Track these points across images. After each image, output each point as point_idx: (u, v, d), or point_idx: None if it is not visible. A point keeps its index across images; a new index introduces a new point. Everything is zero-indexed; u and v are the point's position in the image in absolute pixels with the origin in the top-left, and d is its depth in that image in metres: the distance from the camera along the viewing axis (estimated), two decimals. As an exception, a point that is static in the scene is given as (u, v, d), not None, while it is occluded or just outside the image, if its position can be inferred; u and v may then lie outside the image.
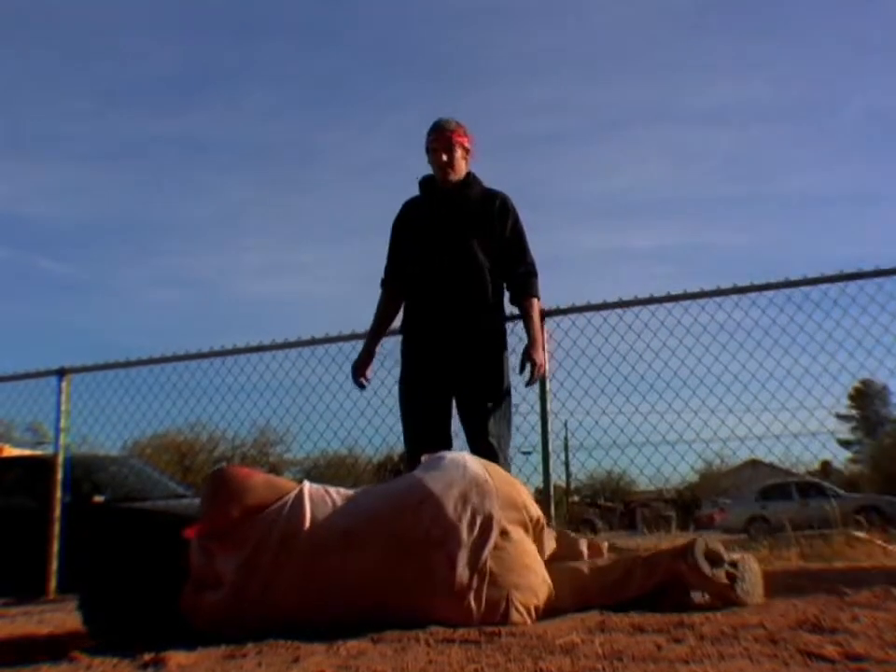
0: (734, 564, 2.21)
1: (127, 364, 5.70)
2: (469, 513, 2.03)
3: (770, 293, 4.30)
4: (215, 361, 5.45)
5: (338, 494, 2.18)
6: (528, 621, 2.02)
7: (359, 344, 5.07)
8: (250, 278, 55.20)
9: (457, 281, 3.42)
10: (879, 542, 4.43)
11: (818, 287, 4.24)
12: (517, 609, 2.02)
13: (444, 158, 3.47)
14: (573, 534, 2.57)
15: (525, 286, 3.55)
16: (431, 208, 3.54)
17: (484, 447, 3.22)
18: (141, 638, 1.94)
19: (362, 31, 56.75)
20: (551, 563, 2.26)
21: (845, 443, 33.60)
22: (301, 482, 2.19)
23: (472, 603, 1.98)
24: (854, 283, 4.17)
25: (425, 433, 3.38)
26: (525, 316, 3.53)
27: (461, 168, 3.52)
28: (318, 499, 2.12)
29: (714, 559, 2.19)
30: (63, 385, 5.69)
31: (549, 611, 2.12)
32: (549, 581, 2.16)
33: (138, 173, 54.45)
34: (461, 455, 2.25)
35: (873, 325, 4.18)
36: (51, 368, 5.79)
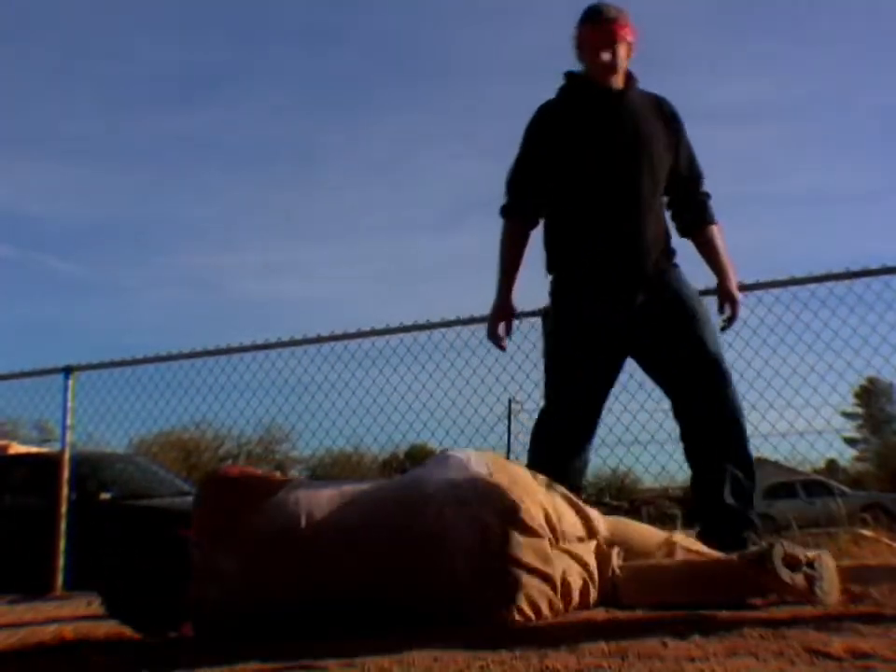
0: (810, 564, 2.13)
1: (133, 362, 5.71)
2: (467, 509, 2.05)
3: (776, 291, 4.28)
4: (220, 359, 5.47)
5: (337, 488, 2.18)
6: (531, 615, 2.02)
7: (365, 342, 5.11)
8: (253, 277, 55.27)
9: (639, 210, 2.78)
10: (886, 540, 4.42)
11: (824, 284, 4.23)
12: (517, 603, 2.02)
13: (606, 57, 2.74)
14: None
15: (707, 211, 2.97)
16: (594, 117, 2.82)
17: (709, 371, 2.74)
18: (150, 636, 1.95)
19: (365, 32, 56.78)
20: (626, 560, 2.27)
21: (851, 441, 33.47)
22: (300, 477, 2.24)
23: (472, 595, 1.98)
24: (860, 280, 4.16)
25: (579, 402, 2.83)
26: (711, 247, 2.97)
27: (624, 69, 2.82)
28: (315, 494, 2.14)
29: (792, 564, 2.11)
30: (70, 382, 5.71)
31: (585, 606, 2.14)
32: (571, 575, 2.15)
33: (142, 172, 54.51)
34: (466, 454, 2.26)
35: (879, 322, 4.17)
36: (58, 366, 5.81)
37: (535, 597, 2.05)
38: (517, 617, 1.99)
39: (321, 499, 2.12)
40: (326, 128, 59.27)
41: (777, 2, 55.67)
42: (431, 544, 2.02)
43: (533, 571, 2.08)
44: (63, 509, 5.62)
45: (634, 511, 31.95)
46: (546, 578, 2.11)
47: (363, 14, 56.99)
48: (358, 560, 2.02)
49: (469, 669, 1.45)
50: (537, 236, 3.02)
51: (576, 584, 2.18)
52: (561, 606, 2.11)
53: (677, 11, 53.02)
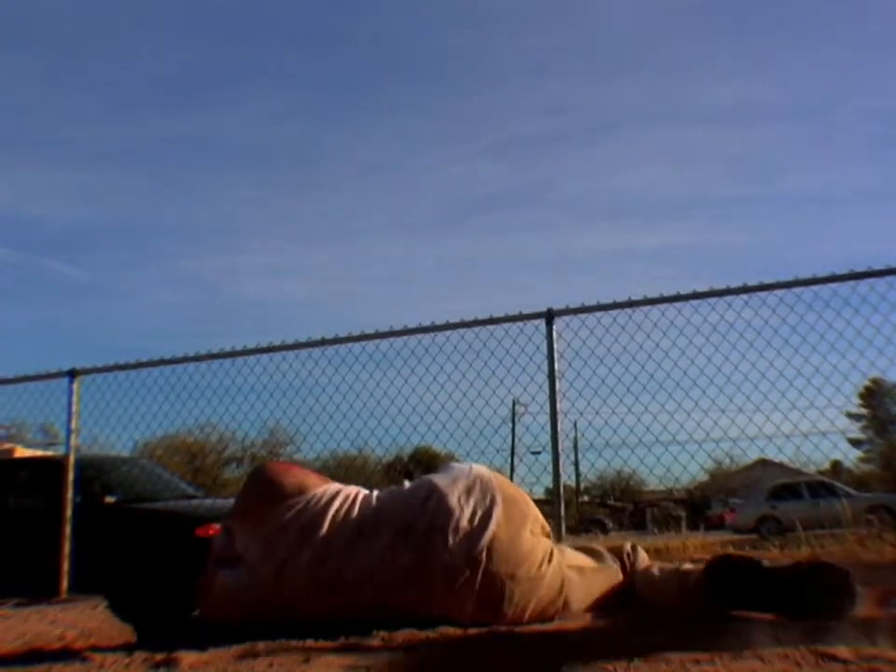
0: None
1: (137, 365, 5.72)
2: (471, 504, 2.14)
3: (780, 292, 4.28)
4: (224, 362, 5.46)
5: (362, 493, 2.32)
6: (521, 614, 2.04)
7: (368, 345, 5.12)
8: (255, 280, 55.21)
9: None
10: (891, 541, 4.41)
11: (828, 285, 4.22)
12: (510, 600, 2.04)
13: None
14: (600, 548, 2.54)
15: None
16: None
17: None
18: (153, 635, 1.96)
19: (365, 33, 56.67)
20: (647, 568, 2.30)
21: (855, 442, 33.33)
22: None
23: (464, 587, 2.04)
24: (864, 281, 4.15)
25: None
26: None
27: None
28: (344, 497, 2.26)
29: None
30: (74, 386, 5.72)
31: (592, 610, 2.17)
32: (561, 582, 2.16)
33: (143, 174, 54.43)
34: (468, 464, 2.39)
35: (884, 323, 4.16)
36: (62, 369, 5.82)
37: (537, 585, 2.08)
38: (507, 606, 2.05)
39: (348, 502, 2.25)
40: (326, 130, 59.16)
41: (777, 2, 55.54)
42: (431, 534, 2.11)
43: (531, 561, 2.11)
44: (69, 512, 5.63)
45: (639, 513, 31.98)
46: (551, 574, 2.13)
47: (363, 17, 56.96)
48: (366, 554, 2.10)
49: (474, 672, 1.45)
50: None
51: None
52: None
53: (676, 13, 52.92)
